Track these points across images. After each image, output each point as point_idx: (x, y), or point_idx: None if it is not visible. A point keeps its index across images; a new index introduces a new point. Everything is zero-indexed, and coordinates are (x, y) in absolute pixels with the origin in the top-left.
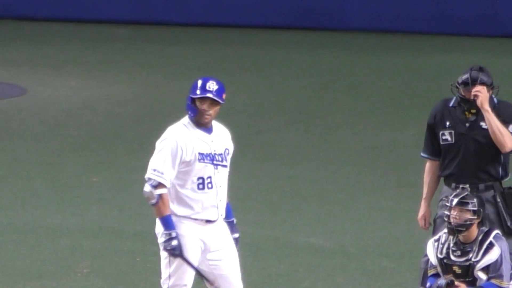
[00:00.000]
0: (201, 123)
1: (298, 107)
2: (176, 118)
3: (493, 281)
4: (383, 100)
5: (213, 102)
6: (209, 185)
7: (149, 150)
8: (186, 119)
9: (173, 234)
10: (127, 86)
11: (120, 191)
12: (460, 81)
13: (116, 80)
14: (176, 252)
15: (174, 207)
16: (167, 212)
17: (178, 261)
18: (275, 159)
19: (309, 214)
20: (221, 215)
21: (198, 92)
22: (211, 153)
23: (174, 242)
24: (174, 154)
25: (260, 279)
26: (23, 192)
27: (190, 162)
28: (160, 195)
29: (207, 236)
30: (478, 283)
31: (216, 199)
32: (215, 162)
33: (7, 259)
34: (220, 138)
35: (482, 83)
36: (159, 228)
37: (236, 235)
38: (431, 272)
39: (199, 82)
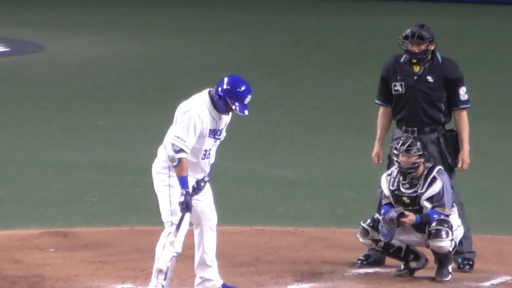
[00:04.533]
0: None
1: (273, 61)
2: (170, 70)
3: (437, 209)
4: (344, 55)
5: None
6: (208, 155)
7: (148, 98)
8: (206, 96)
9: (184, 192)
10: (128, 44)
11: (123, 132)
12: (403, 35)
13: (119, 38)
14: (183, 207)
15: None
16: (184, 173)
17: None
18: (253, 106)
19: (282, 152)
20: (205, 173)
21: (237, 104)
22: (216, 129)
23: (186, 199)
24: (195, 125)
25: (241, 207)
26: (41, 133)
27: (203, 136)
28: (180, 159)
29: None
30: (424, 211)
31: (207, 166)
32: (216, 136)
33: (27, 190)
34: (225, 115)
35: (421, 38)
36: (156, 167)
37: (206, 178)
38: (384, 201)
39: (239, 91)
